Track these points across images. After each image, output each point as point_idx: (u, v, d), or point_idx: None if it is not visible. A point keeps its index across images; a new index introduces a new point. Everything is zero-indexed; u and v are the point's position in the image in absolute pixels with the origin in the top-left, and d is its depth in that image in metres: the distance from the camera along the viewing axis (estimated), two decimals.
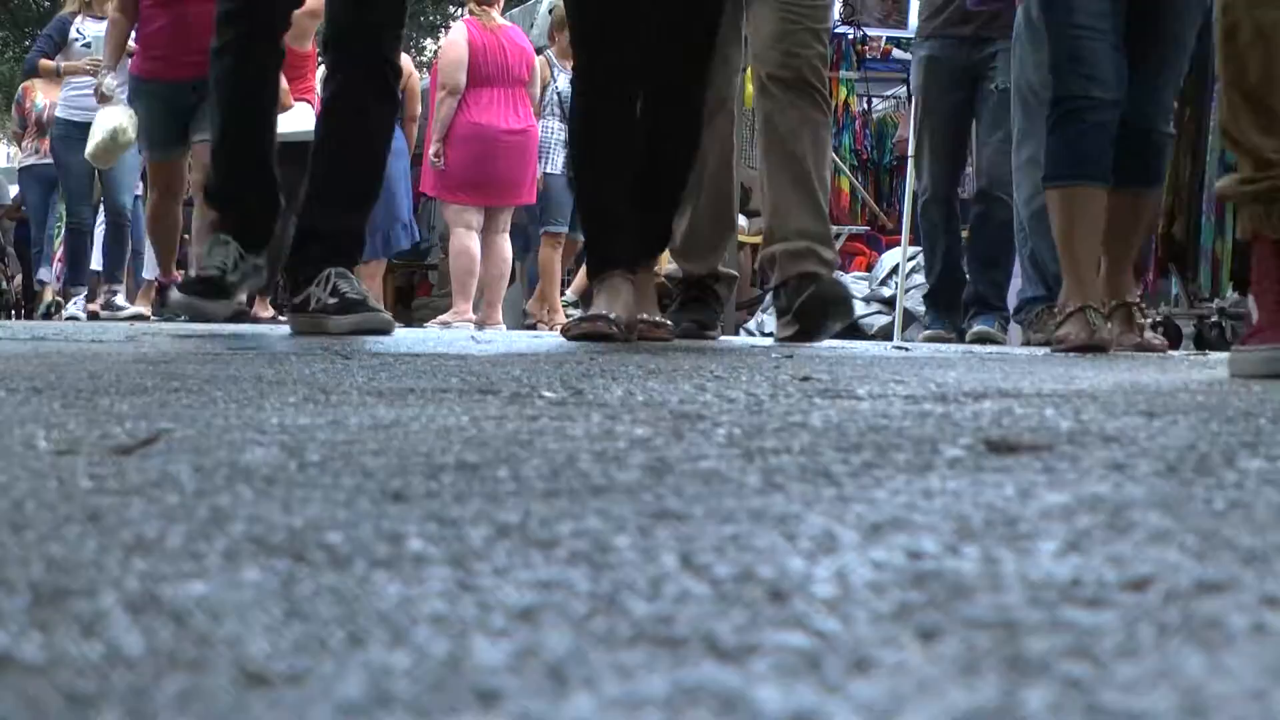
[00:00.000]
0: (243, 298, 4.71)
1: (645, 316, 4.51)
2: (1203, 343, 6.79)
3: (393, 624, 0.70)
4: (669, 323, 4.67)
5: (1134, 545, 0.93)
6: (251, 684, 0.60)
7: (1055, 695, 0.60)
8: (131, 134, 8.39)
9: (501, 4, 9.59)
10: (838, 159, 11.73)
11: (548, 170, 9.76)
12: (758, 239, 8.35)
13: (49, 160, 10.84)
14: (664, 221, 4.75)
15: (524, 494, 1.11)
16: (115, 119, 8.45)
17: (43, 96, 10.99)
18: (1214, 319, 7.05)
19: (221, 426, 1.59)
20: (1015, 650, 0.67)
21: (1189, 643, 0.68)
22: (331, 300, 4.37)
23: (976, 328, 6.55)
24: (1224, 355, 3.50)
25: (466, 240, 9.16)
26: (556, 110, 9.81)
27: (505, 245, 9.42)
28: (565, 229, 9.82)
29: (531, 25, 12.96)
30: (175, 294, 4.56)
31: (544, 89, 9.85)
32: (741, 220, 7.40)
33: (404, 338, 4.69)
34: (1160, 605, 0.76)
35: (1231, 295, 7.01)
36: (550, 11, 10.55)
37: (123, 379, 2.36)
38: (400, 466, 1.25)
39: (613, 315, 4.33)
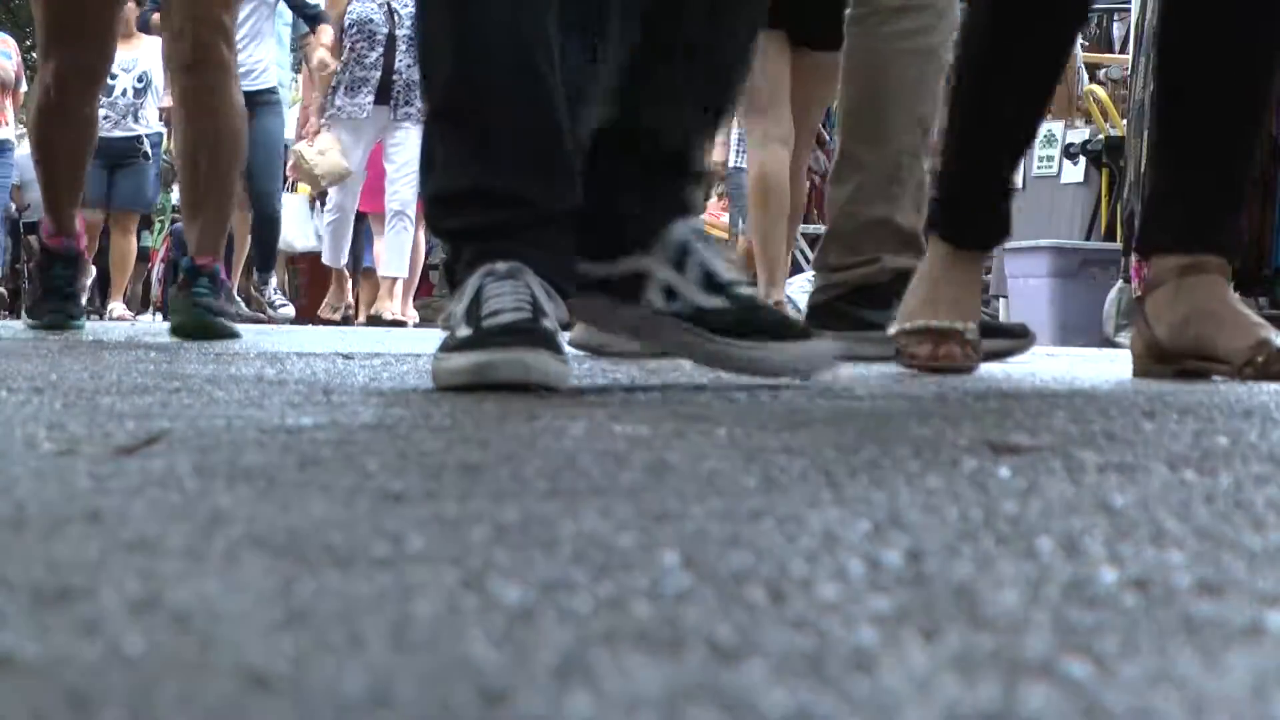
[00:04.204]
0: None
1: None
2: None
3: (393, 624, 0.70)
4: None
5: (1134, 545, 0.93)
6: (252, 684, 0.60)
7: (1055, 695, 0.60)
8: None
9: None
10: None
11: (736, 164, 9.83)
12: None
13: None
14: None
15: (525, 494, 1.11)
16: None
17: None
18: None
19: (223, 426, 1.59)
20: (1015, 650, 0.67)
21: (1189, 643, 0.68)
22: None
23: None
24: None
25: None
26: None
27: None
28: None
29: None
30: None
31: None
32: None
33: (405, 337, 4.69)
34: (1160, 605, 0.76)
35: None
36: None
37: (124, 379, 2.36)
38: (401, 466, 1.25)
39: None
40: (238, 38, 8.99)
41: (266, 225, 10.45)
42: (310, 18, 10.53)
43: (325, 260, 11.59)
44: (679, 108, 2.43)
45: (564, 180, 2.35)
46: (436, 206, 2.38)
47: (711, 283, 2.33)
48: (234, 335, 4.63)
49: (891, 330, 3.20)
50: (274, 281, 10.83)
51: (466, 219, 2.31)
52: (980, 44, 3.11)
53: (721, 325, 2.32)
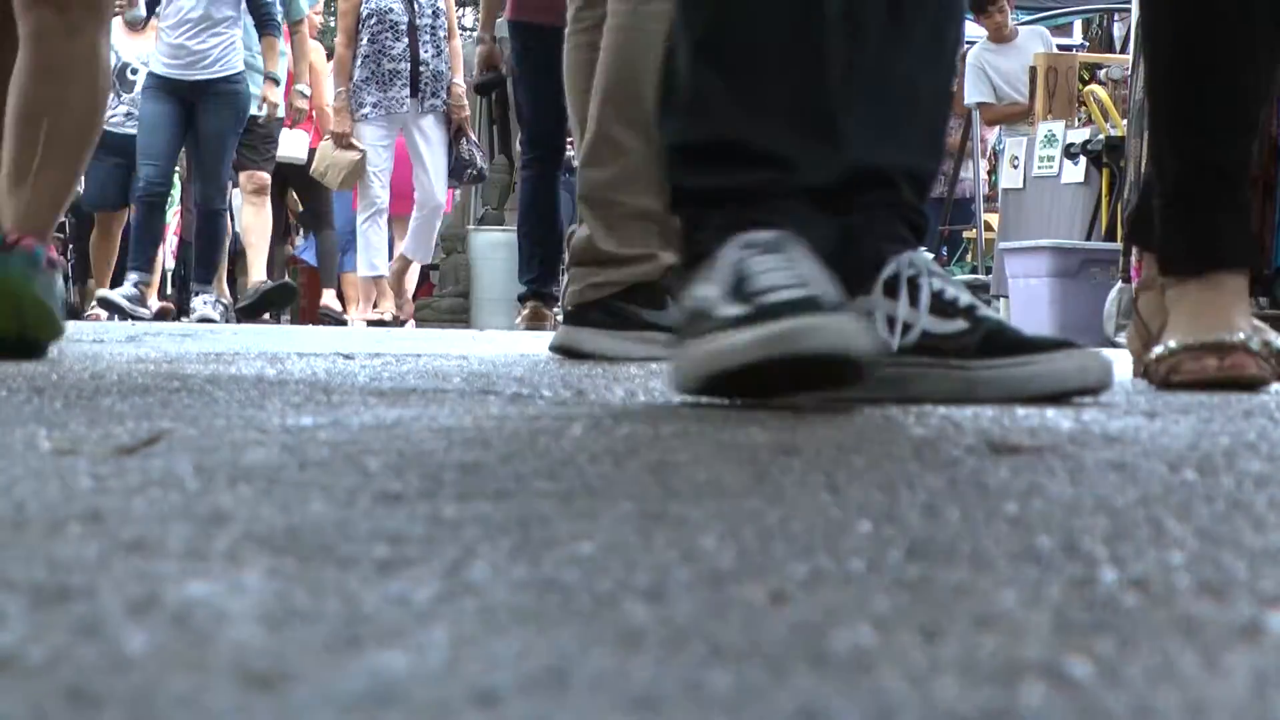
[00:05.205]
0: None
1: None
2: None
3: (393, 624, 0.70)
4: None
5: (1134, 545, 0.93)
6: (252, 684, 0.60)
7: (1055, 695, 0.60)
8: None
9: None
10: None
11: None
12: None
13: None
14: None
15: (525, 494, 1.11)
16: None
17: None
18: None
19: (223, 426, 1.59)
20: (1015, 650, 0.67)
21: (1189, 643, 0.68)
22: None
23: None
24: None
25: None
26: None
27: None
28: None
29: None
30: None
31: None
32: None
33: (405, 337, 4.69)
34: (1160, 605, 0.76)
35: None
36: None
37: (124, 379, 2.36)
38: (401, 466, 1.25)
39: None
40: (183, 26, 8.25)
41: (208, 225, 9.32)
42: (265, 20, 9.82)
43: (360, 273, 11.23)
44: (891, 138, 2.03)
45: (832, 150, 1.99)
46: (682, 156, 2.00)
47: (945, 306, 1.93)
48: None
49: (1155, 353, 2.81)
50: (210, 298, 9.41)
51: (720, 178, 1.95)
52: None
53: (966, 348, 1.92)
